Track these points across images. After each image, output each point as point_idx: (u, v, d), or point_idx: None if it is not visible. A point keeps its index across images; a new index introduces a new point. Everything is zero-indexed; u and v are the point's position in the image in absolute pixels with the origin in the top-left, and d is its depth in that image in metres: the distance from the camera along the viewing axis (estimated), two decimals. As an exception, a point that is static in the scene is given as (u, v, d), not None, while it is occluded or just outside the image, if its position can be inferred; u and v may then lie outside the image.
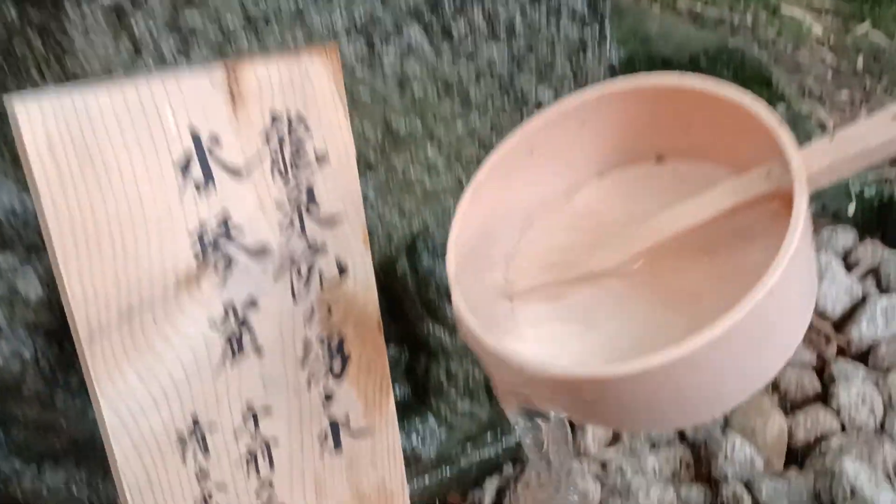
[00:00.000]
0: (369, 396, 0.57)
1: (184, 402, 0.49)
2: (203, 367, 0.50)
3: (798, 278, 0.35)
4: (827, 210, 1.17)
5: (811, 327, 1.00)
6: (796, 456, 0.87)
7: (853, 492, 0.77)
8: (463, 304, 0.40)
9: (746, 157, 0.41)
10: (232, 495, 0.53)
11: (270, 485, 0.54)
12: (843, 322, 1.01)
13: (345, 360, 0.55)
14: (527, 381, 0.38)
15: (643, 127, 0.44)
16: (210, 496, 0.52)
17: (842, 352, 0.98)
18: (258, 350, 0.51)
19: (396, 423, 0.59)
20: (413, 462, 0.66)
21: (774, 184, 0.38)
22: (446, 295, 0.59)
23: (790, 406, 0.91)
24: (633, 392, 0.35)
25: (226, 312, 0.49)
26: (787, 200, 0.36)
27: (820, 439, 0.87)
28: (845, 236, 1.12)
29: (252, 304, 0.50)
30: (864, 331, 0.98)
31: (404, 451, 0.66)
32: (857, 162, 0.38)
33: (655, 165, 0.46)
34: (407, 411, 0.66)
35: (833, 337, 0.99)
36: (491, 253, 0.47)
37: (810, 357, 0.97)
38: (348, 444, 0.57)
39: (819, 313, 1.01)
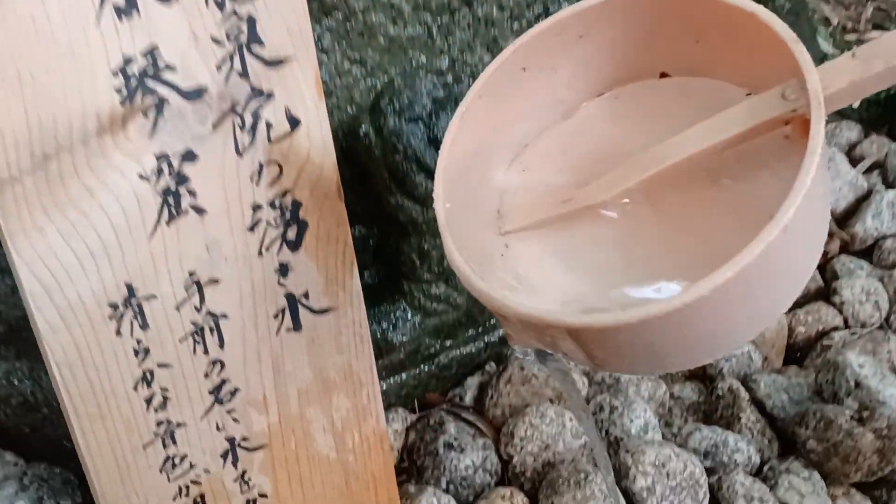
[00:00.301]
0: (330, 271, 0.51)
1: (115, 267, 0.44)
2: (136, 228, 0.44)
3: (812, 212, 0.33)
4: (830, 105, 1.10)
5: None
6: (796, 354, 0.83)
7: (857, 384, 0.72)
8: (457, 255, 0.37)
9: (758, 75, 0.38)
10: (177, 375, 0.48)
11: (221, 365, 0.49)
12: (846, 218, 0.95)
13: (301, 229, 0.49)
14: (527, 327, 0.36)
15: (647, 40, 0.41)
16: (152, 375, 0.47)
17: (844, 248, 0.93)
18: (199, 211, 0.45)
19: (362, 301, 0.53)
20: (385, 351, 0.61)
21: (790, 106, 0.35)
22: (415, 162, 0.53)
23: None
24: (634, 340, 0.33)
25: (159, 165, 0.43)
26: (801, 122, 0.34)
27: (821, 335, 0.83)
28: (850, 131, 1.06)
29: (189, 156, 0.44)
30: (868, 226, 0.92)
31: (375, 337, 0.61)
32: (882, 81, 0.34)
33: (659, 81, 0.43)
34: (376, 296, 0.61)
35: (836, 232, 0.94)
36: (483, 183, 0.44)
37: (811, 254, 0.93)
38: (308, 323, 0.51)
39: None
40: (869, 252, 0.93)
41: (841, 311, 0.85)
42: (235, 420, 0.50)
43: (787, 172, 0.34)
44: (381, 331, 0.60)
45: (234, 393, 0.50)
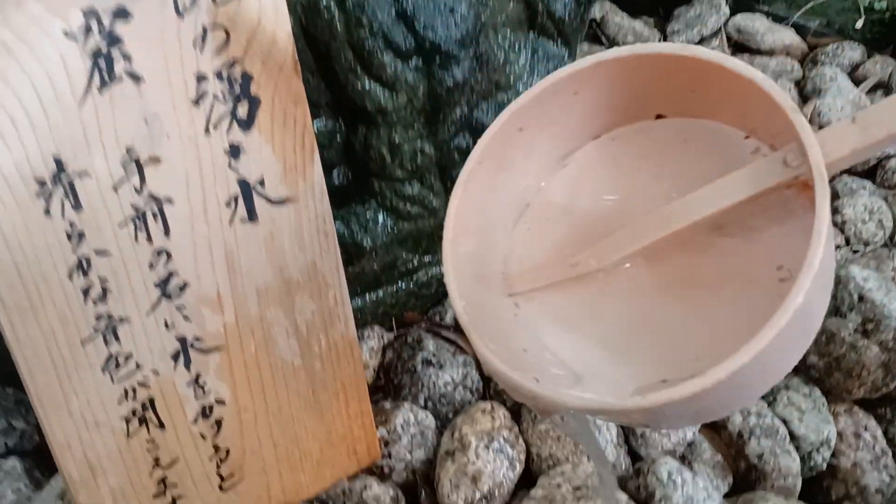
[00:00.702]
0: (288, 156, 0.47)
1: (41, 138, 0.39)
2: (63, 95, 0.39)
3: (822, 286, 0.33)
4: (832, 25, 1.05)
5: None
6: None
7: (861, 297, 0.68)
8: (487, 352, 0.37)
9: (756, 123, 0.39)
10: (118, 264, 0.43)
11: (167, 256, 0.45)
12: (848, 137, 0.91)
13: (253, 106, 0.45)
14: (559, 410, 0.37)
15: (642, 90, 0.42)
16: (88, 263, 0.42)
17: (846, 168, 0.89)
18: (135, 78, 0.41)
19: (325, 193, 0.49)
20: (355, 256, 0.57)
21: (792, 173, 0.35)
22: (382, 38, 0.48)
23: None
24: (682, 411, 0.34)
25: (87, 22, 0.39)
26: (802, 184, 0.36)
27: (822, 255, 0.78)
28: (853, 51, 1.01)
29: (121, 13, 0.39)
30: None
31: (343, 240, 0.57)
32: (882, 146, 0.35)
33: (655, 122, 0.43)
34: (344, 196, 0.56)
35: (838, 153, 0.89)
36: (489, 250, 0.44)
37: (812, 174, 0.88)
38: (266, 215, 0.47)
39: (822, 127, 0.91)
40: (872, 173, 0.89)
41: (843, 231, 0.81)
42: (186, 318, 0.46)
43: (790, 223, 0.37)
44: (349, 233, 0.56)
45: (183, 288, 0.46)
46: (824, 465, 0.63)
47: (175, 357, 0.47)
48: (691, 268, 0.41)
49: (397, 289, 0.67)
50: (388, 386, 0.65)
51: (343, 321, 0.52)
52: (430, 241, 0.65)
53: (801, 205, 0.37)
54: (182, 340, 0.47)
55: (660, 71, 0.39)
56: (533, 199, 0.46)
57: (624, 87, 0.41)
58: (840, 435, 0.64)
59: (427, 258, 0.66)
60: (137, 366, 0.46)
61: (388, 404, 0.62)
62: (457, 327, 0.69)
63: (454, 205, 0.41)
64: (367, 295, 0.66)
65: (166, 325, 0.46)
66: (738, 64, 0.36)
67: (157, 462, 0.48)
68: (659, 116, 0.43)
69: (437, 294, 0.70)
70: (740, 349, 0.30)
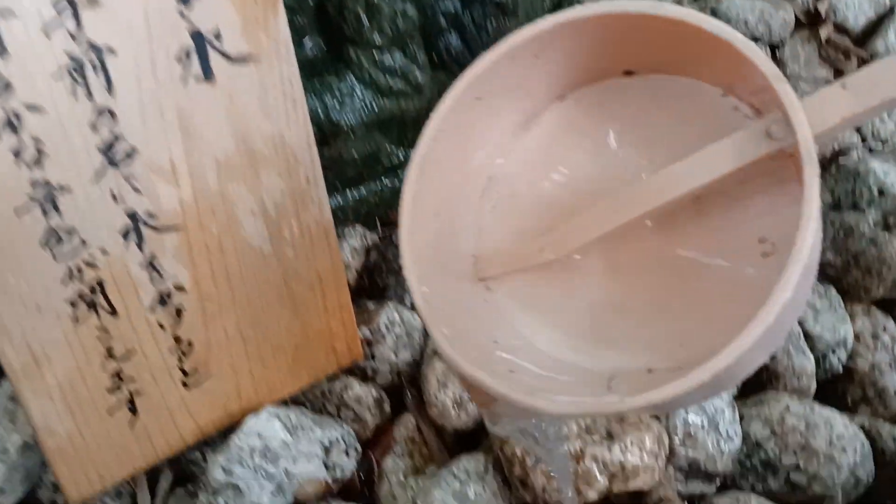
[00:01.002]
0: (248, 6, 0.41)
1: (-48, -35, 0.34)
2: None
3: (810, 272, 0.31)
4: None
5: (827, 42, 0.85)
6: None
7: (881, 192, 0.63)
8: (446, 344, 0.34)
9: (734, 81, 0.36)
10: (53, 123, 0.38)
11: (111, 115, 0.39)
12: (865, 36, 0.85)
13: (205, -57, 0.39)
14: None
15: (609, 48, 0.38)
16: (18, 119, 0.37)
17: (863, 65, 0.83)
18: None
19: (292, 52, 0.43)
20: (331, 135, 0.52)
21: (776, 145, 0.33)
22: None
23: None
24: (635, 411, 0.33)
25: None
26: (787, 155, 0.33)
27: (837, 155, 0.74)
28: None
29: None
30: (891, 42, 0.82)
31: (317, 116, 0.51)
32: (875, 113, 0.32)
33: (623, 79, 0.40)
34: (318, 67, 0.51)
35: (852, 51, 0.83)
36: (455, 231, 0.40)
37: (826, 74, 0.83)
38: (224, 74, 0.42)
39: (838, 26, 0.85)
40: (891, 71, 0.83)
41: (859, 130, 0.76)
42: (136, 190, 0.41)
43: (772, 191, 0.35)
44: (323, 108, 0.51)
45: (130, 154, 0.41)
46: (840, 368, 0.59)
47: (125, 234, 0.42)
48: (669, 245, 0.38)
49: (381, 186, 0.62)
50: (372, 288, 0.60)
51: (317, 204, 0.47)
52: (415, 130, 0.59)
53: (785, 173, 0.34)
54: (132, 216, 0.42)
55: (629, 30, 0.36)
56: (496, 171, 0.42)
57: (589, 46, 0.38)
58: (857, 336, 0.60)
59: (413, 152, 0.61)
60: (83, 242, 0.41)
61: (371, 305, 0.57)
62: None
63: (409, 189, 0.37)
64: (347, 192, 0.61)
65: (114, 197, 0.41)
66: (716, 25, 0.33)
67: (110, 353, 0.43)
68: (628, 73, 0.39)
69: (425, 193, 0.65)
70: (724, 350, 0.28)
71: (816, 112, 0.31)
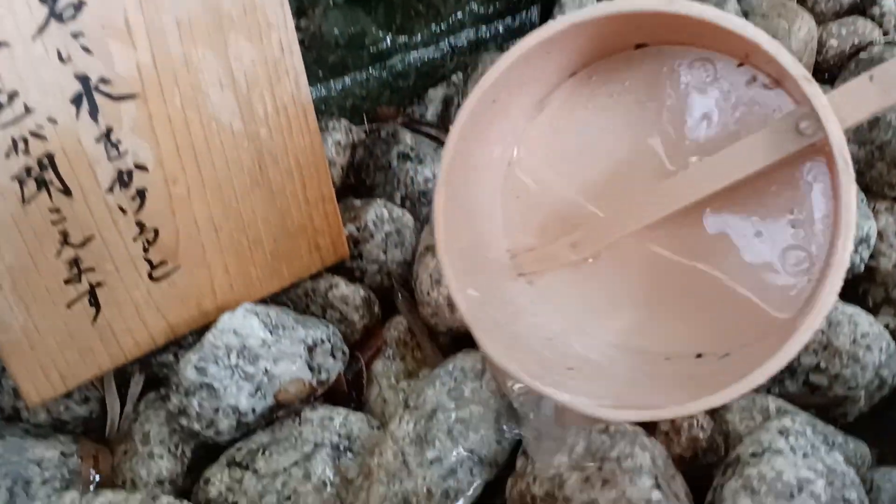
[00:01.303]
0: None
1: None
2: None
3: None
4: None
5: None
6: (824, 75, 0.70)
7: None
8: (491, 346, 0.37)
9: (750, 52, 0.36)
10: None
11: (52, -40, 0.34)
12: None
13: None
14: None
15: (621, 34, 0.39)
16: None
17: None
18: None
19: None
20: (309, 6, 0.47)
21: (806, 141, 0.34)
22: None
23: (822, 20, 0.72)
24: None
25: None
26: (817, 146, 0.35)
27: (857, 50, 0.69)
28: None
29: None
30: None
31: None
32: None
33: (635, 52, 0.40)
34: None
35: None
36: (487, 231, 0.42)
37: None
38: (183, -81, 0.37)
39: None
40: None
41: (881, 24, 0.71)
42: (86, 50, 0.36)
43: (804, 197, 0.37)
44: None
45: (78, 7, 0.36)
46: (862, 267, 0.55)
47: (76, 101, 0.37)
48: (701, 232, 0.40)
49: (368, 76, 0.57)
50: (358, 186, 0.56)
51: (293, 78, 0.43)
52: (405, 14, 0.54)
53: (815, 159, 0.36)
54: (83, 80, 0.37)
55: (643, 19, 0.36)
56: (514, 158, 0.43)
57: (602, 35, 0.39)
58: (881, 234, 0.55)
59: (402, 39, 0.56)
60: (27, 109, 0.36)
61: (357, 202, 0.53)
62: (440, 126, 0.60)
63: (440, 204, 0.38)
64: (331, 81, 0.56)
65: (60, 57, 0.36)
66: (739, 24, 0.33)
67: (65, 238, 0.39)
68: (639, 46, 0.40)
69: (416, 87, 0.60)
70: (777, 354, 0.31)
71: (845, 106, 0.32)
